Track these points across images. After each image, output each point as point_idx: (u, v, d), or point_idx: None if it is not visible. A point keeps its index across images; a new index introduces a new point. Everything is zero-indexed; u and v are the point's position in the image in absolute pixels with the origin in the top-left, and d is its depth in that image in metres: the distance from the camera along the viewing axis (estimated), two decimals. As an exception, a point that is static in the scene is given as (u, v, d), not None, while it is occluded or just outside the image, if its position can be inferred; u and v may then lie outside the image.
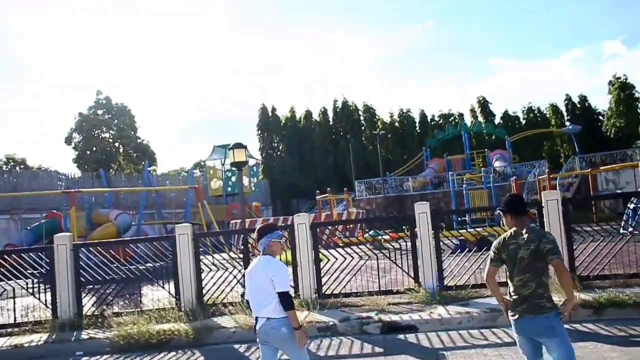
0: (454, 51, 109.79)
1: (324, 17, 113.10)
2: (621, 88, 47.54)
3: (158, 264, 12.91)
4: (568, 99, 52.56)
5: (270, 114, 56.15)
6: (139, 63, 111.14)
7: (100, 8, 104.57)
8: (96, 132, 51.90)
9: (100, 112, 52.30)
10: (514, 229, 4.86)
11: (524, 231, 4.78)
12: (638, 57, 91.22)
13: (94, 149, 51.03)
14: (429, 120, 54.99)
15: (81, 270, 11.83)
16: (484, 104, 53.76)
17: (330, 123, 55.96)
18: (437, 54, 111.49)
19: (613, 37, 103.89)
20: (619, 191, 30.87)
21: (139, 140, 54.77)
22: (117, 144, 53.43)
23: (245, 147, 13.02)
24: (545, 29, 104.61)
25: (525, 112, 53.31)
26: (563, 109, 52.63)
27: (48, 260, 11.90)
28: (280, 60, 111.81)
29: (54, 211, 30.29)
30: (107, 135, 52.77)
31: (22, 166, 53.22)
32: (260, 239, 5.21)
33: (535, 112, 53.02)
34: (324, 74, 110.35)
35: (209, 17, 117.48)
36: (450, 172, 37.74)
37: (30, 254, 13.25)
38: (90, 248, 13.62)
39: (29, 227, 29.38)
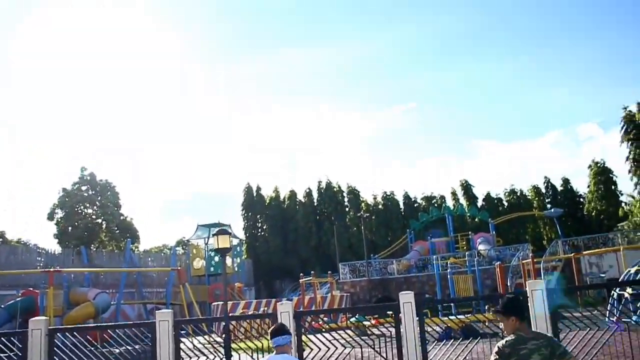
0: (437, 133, 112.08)
1: (308, 97, 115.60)
2: (600, 172, 48.67)
3: (137, 346, 12.52)
4: (547, 181, 53.79)
5: (255, 194, 56.43)
6: (125, 140, 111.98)
7: (87, 91, 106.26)
8: (79, 209, 51.57)
9: (84, 188, 52.15)
10: (520, 332, 4.74)
11: (530, 335, 4.70)
12: (613, 140, 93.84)
13: (77, 224, 50.55)
14: (413, 203, 55.53)
15: (55, 357, 11.42)
16: (466, 187, 54.64)
17: (315, 204, 56.26)
18: (420, 135, 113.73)
19: (589, 120, 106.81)
20: (602, 275, 30.94)
21: (122, 217, 54.43)
22: (100, 221, 52.99)
23: (229, 234, 12.90)
24: (524, 111, 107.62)
25: (507, 194, 54.14)
26: (546, 189, 53.72)
27: (21, 346, 11.49)
28: (266, 140, 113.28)
29: (31, 289, 29.57)
30: (90, 211, 52.42)
31: (0, 239, 52.42)
32: (275, 336, 5.34)
33: (518, 194, 53.91)
34: (308, 154, 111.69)
35: (191, 98, 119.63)
36: (434, 256, 37.72)
37: (2, 338, 12.79)
38: (67, 333, 13.21)
39: (3, 306, 28.57)
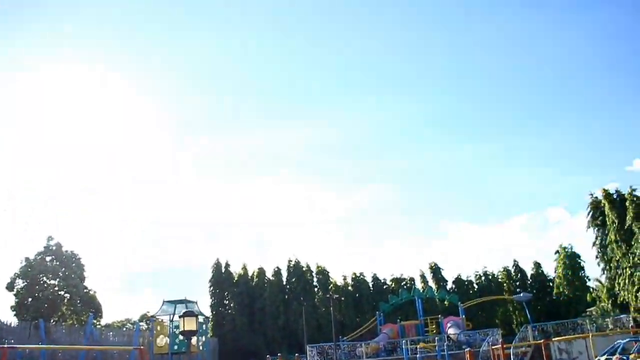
0: (407, 213, 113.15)
1: (278, 177, 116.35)
2: (568, 257, 49.30)
3: None
4: (516, 265, 54.20)
5: (223, 270, 55.58)
6: (92, 209, 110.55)
7: (57, 157, 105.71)
8: (41, 279, 50.02)
9: (48, 258, 50.81)
10: None
11: None
12: (580, 224, 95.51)
13: (37, 296, 48.86)
14: (382, 284, 55.22)
15: None
16: (435, 269, 54.75)
17: (283, 282, 55.51)
18: (390, 215, 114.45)
19: (557, 204, 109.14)
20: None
21: (85, 290, 52.86)
22: (62, 293, 51.34)
23: (196, 316, 12.62)
24: (493, 194, 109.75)
25: (477, 277, 54.28)
26: (515, 272, 54.00)
27: None
28: (234, 216, 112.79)
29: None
30: (53, 282, 50.83)
31: (-48, 309, 50.33)
32: None
33: (490, 276, 54.13)
34: (279, 232, 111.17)
35: (160, 170, 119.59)
36: (403, 339, 37.20)
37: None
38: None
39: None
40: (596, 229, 45.27)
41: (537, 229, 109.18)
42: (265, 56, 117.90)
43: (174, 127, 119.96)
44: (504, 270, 54.29)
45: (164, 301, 44.46)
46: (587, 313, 44.82)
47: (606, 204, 43.99)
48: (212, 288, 55.29)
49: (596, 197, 45.65)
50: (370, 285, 54.97)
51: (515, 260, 54.65)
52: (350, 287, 54.43)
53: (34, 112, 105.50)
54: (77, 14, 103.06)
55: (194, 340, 38.85)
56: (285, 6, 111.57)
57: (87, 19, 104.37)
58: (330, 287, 54.08)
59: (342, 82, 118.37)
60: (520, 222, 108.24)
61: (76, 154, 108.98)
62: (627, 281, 42.50)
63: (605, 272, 44.63)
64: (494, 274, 54.77)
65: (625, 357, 20.98)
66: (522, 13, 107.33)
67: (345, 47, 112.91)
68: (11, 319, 46.18)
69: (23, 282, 49.47)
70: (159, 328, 44.05)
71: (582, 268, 49.99)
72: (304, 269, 55.74)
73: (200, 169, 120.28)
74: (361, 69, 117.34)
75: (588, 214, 46.02)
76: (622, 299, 43.01)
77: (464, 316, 43.04)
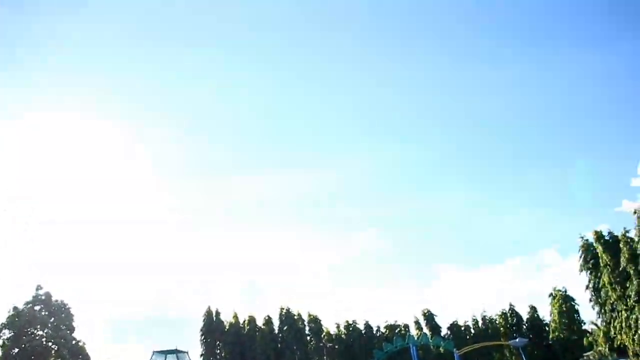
0: (399, 260, 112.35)
1: (270, 224, 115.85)
2: (562, 300, 48.75)
3: None
4: (511, 309, 53.45)
5: (214, 318, 54.69)
6: (84, 258, 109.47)
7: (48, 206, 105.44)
8: (29, 330, 49.12)
9: (37, 308, 50.06)
10: None
11: None
12: (573, 266, 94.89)
13: (24, 347, 47.89)
14: (376, 331, 54.33)
15: None
16: (429, 316, 53.95)
17: (275, 331, 54.51)
18: (382, 262, 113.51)
19: (549, 246, 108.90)
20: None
21: (74, 342, 51.82)
22: (50, 344, 50.33)
23: None
24: (484, 238, 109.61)
25: (474, 322, 53.46)
26: (510, 317, 53.16)
27: None
28: (226, 263, 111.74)
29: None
30: (41, 333, 49.91)
31: None
32: None
33: (486, 321, 53.25)
34: (270, 278, 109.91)
35: (154, 217, 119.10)
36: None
37: None
38: None
39: None
40: (588, 272, 44.99)
41: (531, 271, 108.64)
42: (259, 104, 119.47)
43: (166, 172, 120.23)
44: (500, 315, 53.50)
45: (154, 352, 43.65)
46: (585, 358, 44.04)
47: (599, 246, 43.81)
48: (203, 337, 54.27)
49: (587, 240, 45.55)
50: (363, 333, 54.02)
51: (511, 305, 54.03)
52: (343, 335, 53.52)
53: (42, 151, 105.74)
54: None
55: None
56: (278, 52, 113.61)
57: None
58: (322, 336, 53.14)
59: (334, 128, 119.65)
60: (513, 265, 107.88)
61: (68, 196, 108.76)
62: (623, 324, 41.90)
63: (601, 315, 44.08)
64: (490, 319, 53.95)
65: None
66: (513, 58, 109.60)
67: (340, 93, 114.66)
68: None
69: (10, 333, 48.59)
70: (148, 379, 43.11)
71: (577, 311, 49.40)
72: (295, 317, 54.86)
73: (192, 215, 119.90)
74: (353, 115, 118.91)
75: (580, 256, 45.81)
76: (619, 342, 42.33)
77: (459, 363, 42.23)
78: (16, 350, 47.66)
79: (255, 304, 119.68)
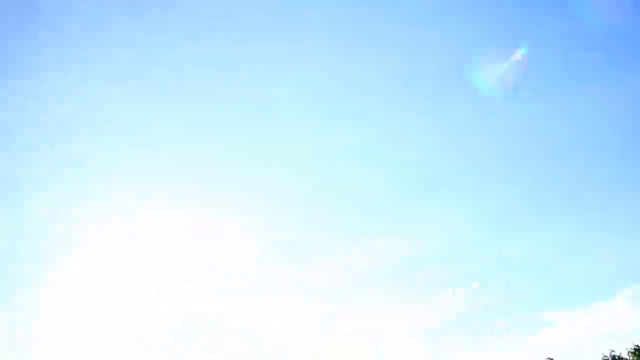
0: (502, 312, 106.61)
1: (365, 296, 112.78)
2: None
3: None
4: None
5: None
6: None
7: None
8: None
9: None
10: None
11: None
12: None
13: None
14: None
15: None
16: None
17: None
18: (482, 318, 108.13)
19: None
20: None
21: None
22: None
23: None
24: (589, 273, 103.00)
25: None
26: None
27: None
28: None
29: None
30: None
31: None
32: None
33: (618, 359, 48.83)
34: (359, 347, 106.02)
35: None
36: None
37: None
38: None
39: None
40: None
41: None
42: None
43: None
44: (634, 352, 48.80)
45: None
46: None
47: None
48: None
49: None
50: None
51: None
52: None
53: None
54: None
55: None
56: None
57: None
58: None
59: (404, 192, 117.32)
60: (626, 295, 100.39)
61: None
62: None
63: None
64: (620, 357, 49.34)
65: None
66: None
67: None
68: None
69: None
70: None
71: None
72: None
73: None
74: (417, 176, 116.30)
75: None
76: None
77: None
78: None
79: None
